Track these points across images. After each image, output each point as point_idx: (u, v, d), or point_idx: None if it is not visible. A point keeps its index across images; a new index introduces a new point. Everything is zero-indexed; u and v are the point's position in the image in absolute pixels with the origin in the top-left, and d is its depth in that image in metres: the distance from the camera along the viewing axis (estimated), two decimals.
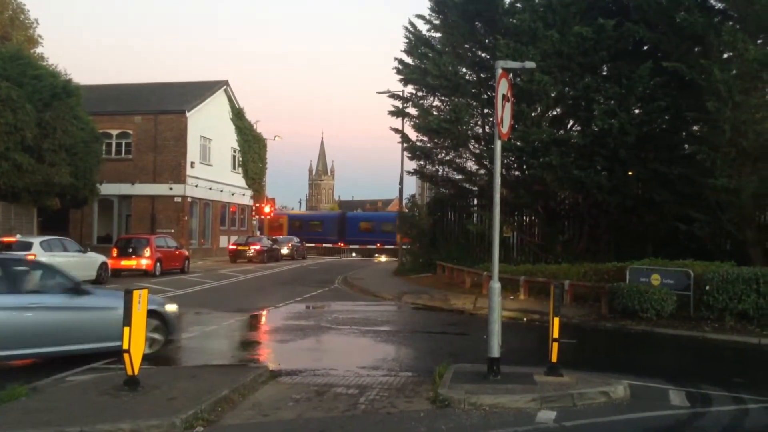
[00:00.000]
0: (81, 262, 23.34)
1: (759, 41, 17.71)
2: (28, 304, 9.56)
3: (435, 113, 26.35)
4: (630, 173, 21.53)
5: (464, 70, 26.17)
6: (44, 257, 21.28)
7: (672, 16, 18.65)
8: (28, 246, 21.32)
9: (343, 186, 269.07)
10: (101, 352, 10.11)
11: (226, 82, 46.24)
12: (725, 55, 18.09)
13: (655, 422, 7.68)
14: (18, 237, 22.94)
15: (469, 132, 25.70)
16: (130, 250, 28.02)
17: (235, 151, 48.03)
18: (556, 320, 9.04)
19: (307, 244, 55.82)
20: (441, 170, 29.11)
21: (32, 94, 27.57)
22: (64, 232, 32.30)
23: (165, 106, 40.75)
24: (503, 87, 9.41)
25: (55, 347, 9.83)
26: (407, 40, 27.52)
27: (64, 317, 9.86)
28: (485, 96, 25.10)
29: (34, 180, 27.31)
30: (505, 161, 23.63)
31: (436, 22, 26.54)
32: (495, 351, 8.92)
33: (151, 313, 9.87)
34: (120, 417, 6.77)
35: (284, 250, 46.75)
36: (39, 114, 27.51)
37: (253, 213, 52.99)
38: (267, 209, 54.50)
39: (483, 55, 25.62)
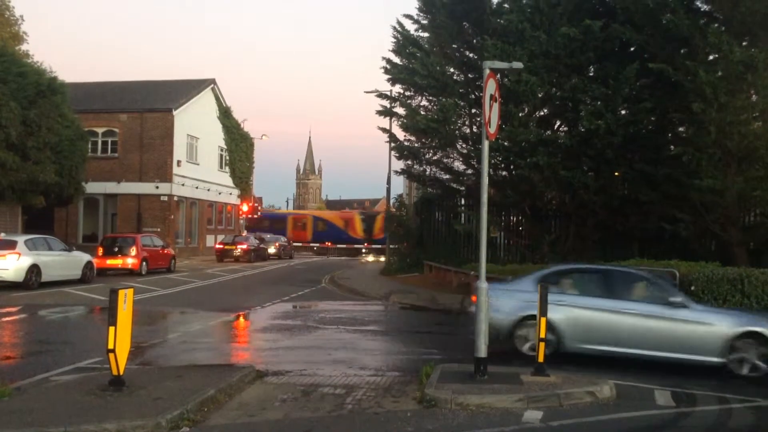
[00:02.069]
0: (66, 261, 23.18)
1: (744, 43, 17.81)
2: (623, 309, 10.81)
3: (423, 113, 26.31)
4: (616, 173, 21.62)
5: (452, 70, 26.19)
6: (28, 256, 21.14)
7: (658, 18, 18.75)
8: (12, 244, 21.14)
9: (331, 185, 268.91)
10: (691, 365, 10.54)
11: (213, 81, 46.05)
12: (711, 57, 18.19)
13: (640, 422, 7.72)
14: (2, 235, 22.72)
15: (457, 132, 25.71)
16: (116, 249, 27.86)
17: (222, 150, 47.86)
18: (543, 320, 9.07)
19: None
20: (428, 170, 29.10)
21: (17, 92, 27.31)
22: (49, 230, 32.05)
23: (151, 104, 40.53)
24: (491, 87, 9.42)
25: (644, 351, 10.70)
26: (395, 40, 27.50)
27: (657, 326, 10.67)
28: (473, 96, 25.11)
29: (19, 178, 27.08)
30: (493, 161, 23.65)
31: (424, 22, 26.54)
32: (482, 351, 8.94)
33: (756, 335, 10.35)
34: (105, 417, 6.72)
35: (271, 250, 46.67)
36: (24, 112, 27.26)
37: (240, 212, 52.74)
38: (245, 207, 53.92)
39: (471, 55, 25.64)
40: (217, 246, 41.68)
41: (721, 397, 8.80)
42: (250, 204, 53.37)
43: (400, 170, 30.86)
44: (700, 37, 17.43)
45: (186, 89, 42.73)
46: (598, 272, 12.12)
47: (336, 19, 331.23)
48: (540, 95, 21.88)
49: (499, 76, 20.05)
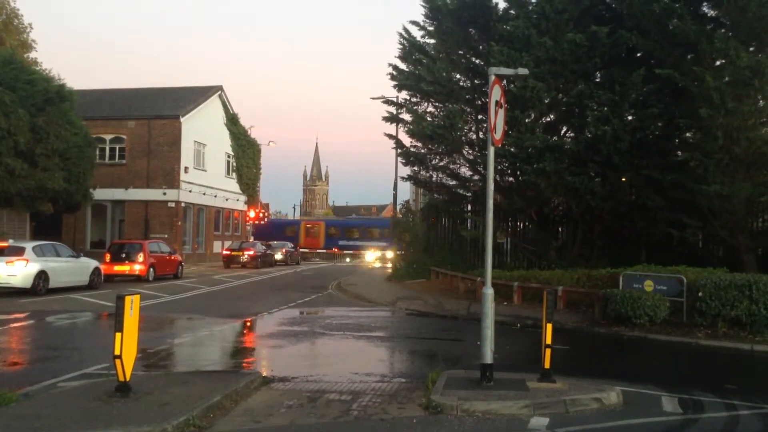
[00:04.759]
0: (74, 267, 23.26)
1: (751, 48, 17.76)
2: None
3: (429, 119, 26.35)
4: (623, 179, 21.57)
5: (458, 76, 26.20)
6: (36, 262, 21.22)
7: (665, 24, 18.72)
8: (20, 251, 21.23)
9: (338, 191, 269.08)
10: None
11: (220, 88, 46.25)
12: (718, 63, 18.15)
13: (647, 428, 7.68)
14: (10, 242, 22.85)
15: (463, 138, 25.73)
16: (123, 256, 27.92)
17: (229, 157, 48.01)
18: (549, 326, 9.04)
19: None
20: (435, 176, 29.10)
21: (25, 99, 27.51)
22: (57, 237, 32.20)
23: (159, 111, 40.73)
24: (496, 93, 9.43)
25: None
26: (401, 46, 27.54)
27: None
28: (479, 102, 25.14)
29: (27, 185, 27.24)
30: (499, 167, 23.66)
31: (430, 28, 26.56)
32: (488, 357, 8.92)
33: None
34: (111, 423, 6.73)
35: (278, 256, 46.70)
36: (32, 119, 27.45)
37: (247, 218, 52.88)
38: (252, 214, 54.10)
39: (477, 61, 25.66)
40: (224, 252, 41.74)
41: (728, 403, 8.74)
42: (257, 210, 53.43)
43: (406, 176, 30.92)
44: (707, 42, 17.39)
45: (193, 96, 42.93)
46: None
47: (343, 25, 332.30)
48: (546, 101, 21.87)
49: (505, 82, 20.12)
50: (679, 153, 21.02)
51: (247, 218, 53.26)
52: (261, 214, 55.45)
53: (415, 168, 29.22)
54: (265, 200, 60.86)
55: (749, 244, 18.83)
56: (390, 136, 30.93)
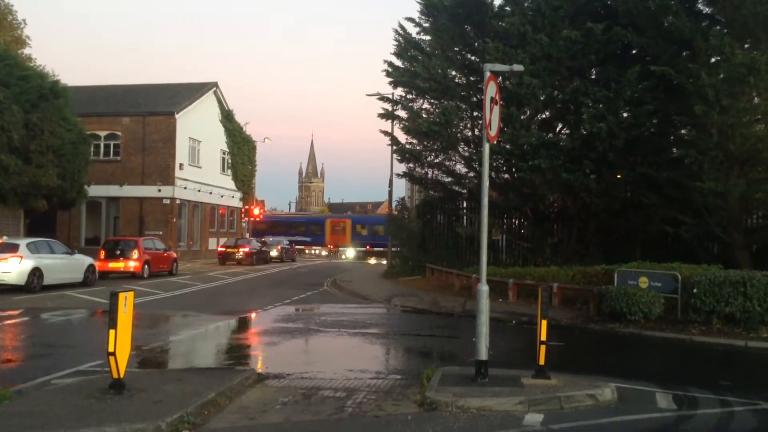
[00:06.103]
0: (68, 264, 23.18)
1: (746, 45, 17.79)
2: None
3: (424, 116, 26.34)
4: (618, 176, 21.60)
5: (454, 72, 26.21)
6: (30, 259, 21.15)
7: (660, 21, 18.75)
8: (14, 248, 21.15)
9: (333, 188, 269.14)
10: None
11: (215, 84, 46.07)
12: (713, 60, 18.18)
13: (642, 425, 7.68)
14: (4, 238, 22.75)
15: (459, 135, 25.72)
16: (118, 252, 27.85)
17: (224, 153, 47.87)
18: (544, 323, 9.04)
19: None
20: (430, 173, 29.14)
21: (19, 95, 27.33)
22: (51, 233, 32.10)
23: (154, 107, 40.57)
24: (491, 90, 9.41)
25: None
26: (397, 43, 27.53)
27: None
28: (474, 99, 25.13)
29: (21, 181, 27.09)
30: (494, 164, 23.68)
31: (426, 25, 26.57)
32: (483, 354, 8.91)
33: None
34: (104, 420, 6.70)
35: (273, 253, 46.62)
36: (26, 115, 27.29)
37: (243, 216, 52.74)
38: (257, 211, 54.17)
39: (472, 58, 25.66)
40: (219, 249, 41.65)
41: (723, 400, 8.75)
42: (254, 208, 53.29)
43: (402, 173, 30.90)
44: (702, 39, 17.42)
45: (188, 93, 42.77)
46: None
47: (338, 22, 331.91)
48: (542, 98, 21.88)
49: (500, 79, 20.09)
50: (674, 150, 21.06)
51: (242, 215, 53.14)
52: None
53: (411, 165, 29.23)
54: (260, 197, 60.69)
55: (743, 241, 18.87)
56: (385, 133, 30.93)
